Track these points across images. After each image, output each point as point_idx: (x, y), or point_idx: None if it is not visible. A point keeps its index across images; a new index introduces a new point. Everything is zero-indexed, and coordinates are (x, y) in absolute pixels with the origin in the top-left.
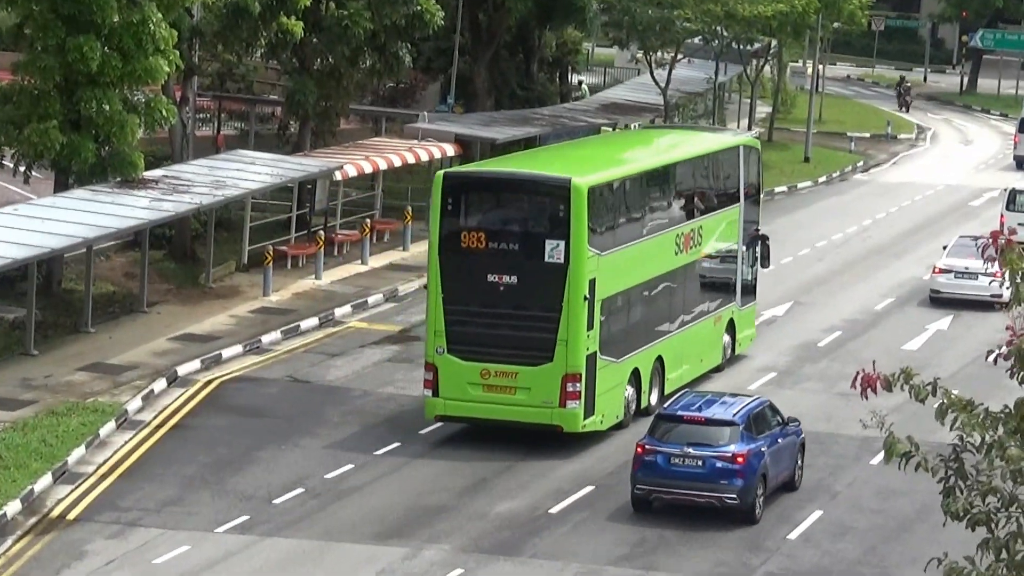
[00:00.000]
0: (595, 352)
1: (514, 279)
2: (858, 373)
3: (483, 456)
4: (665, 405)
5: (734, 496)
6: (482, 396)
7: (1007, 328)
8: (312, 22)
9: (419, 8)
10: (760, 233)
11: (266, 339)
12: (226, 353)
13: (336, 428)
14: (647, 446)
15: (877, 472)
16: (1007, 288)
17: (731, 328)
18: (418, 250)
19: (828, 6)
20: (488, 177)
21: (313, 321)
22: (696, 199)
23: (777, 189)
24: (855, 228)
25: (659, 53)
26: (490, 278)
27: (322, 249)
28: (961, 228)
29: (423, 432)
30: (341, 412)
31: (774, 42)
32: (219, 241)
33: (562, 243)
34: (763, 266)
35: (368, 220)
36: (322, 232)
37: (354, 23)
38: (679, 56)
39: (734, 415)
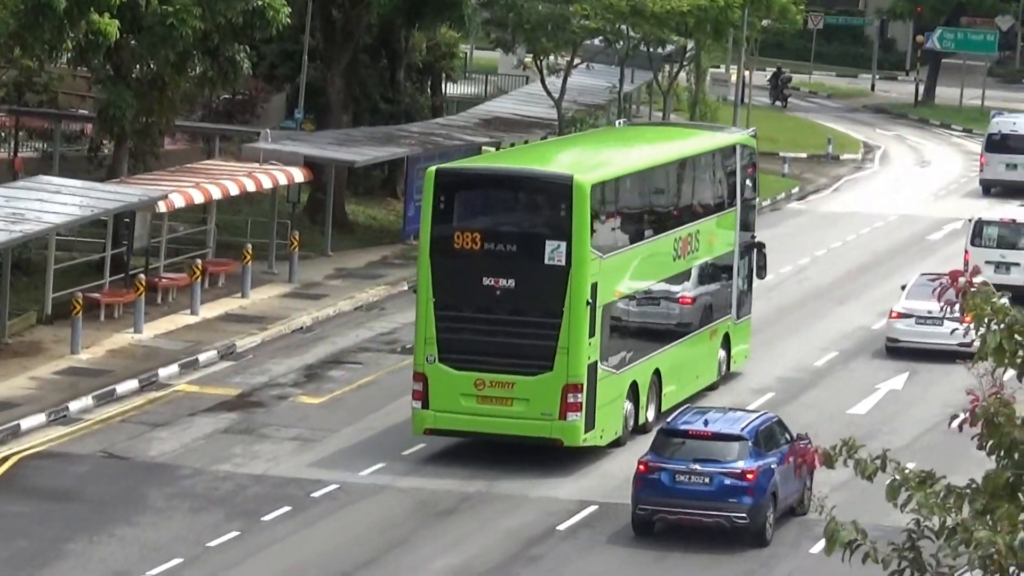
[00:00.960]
0: (596, 361)
1: (511, 282)
2: (792, 445)
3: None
4: (668, 419)
5: (744, 516)
6: (476, 408)
7: (967, 392)
8: (130, 20)
9: (260, 4)
10: (756, 240)
11: (75, 406)
12: (26, 423)
13: (160, 514)
14: (650, 463)
15: (819, 563)
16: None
17: (726, 342)
18: (260, 297)
19: (755, 0)
20: (483, 173)
21: (132, 384)
22: (694, 201)
23: None
24: (790, 268)
25: (552, 57)
26: (485, 281)
27: (142, 296)
28: (917, 267)
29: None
30: (166, 495)
31: (691, 44)
32: (16, 288)
33: (563, 244)
34: (759, 276)
35: (198, 261)
36: (142, 276)
37: (181, 22)
38: (576, 61)
39: (742, 429)
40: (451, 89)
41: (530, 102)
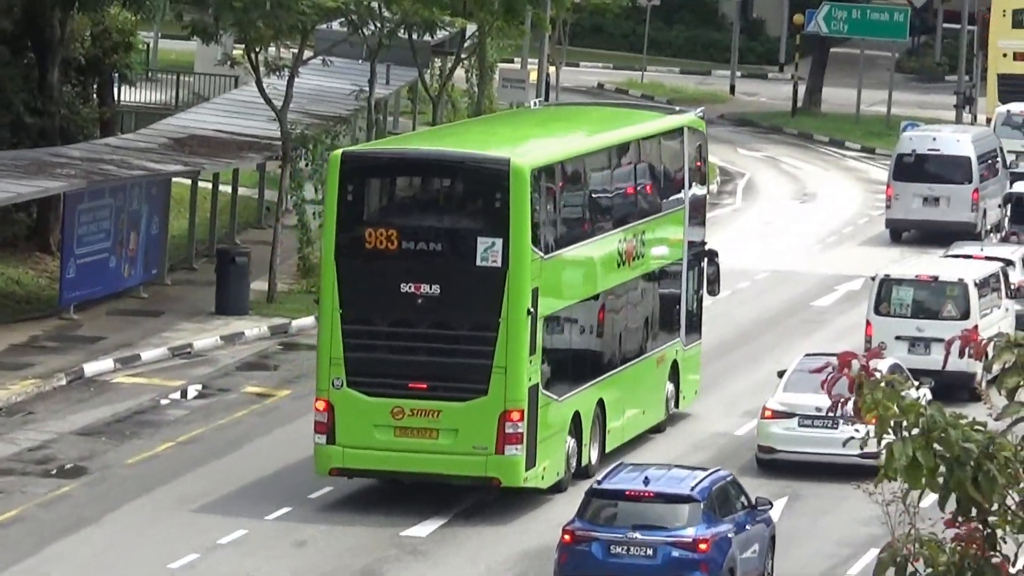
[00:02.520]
0: (537, 384)
1: (435, 289)
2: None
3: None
4: (599, 478)
5: None
6: (394, 442)
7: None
8: None
9: None
10: (708, 248)
11: None
12: None
13: None
14: (578, 531)
15: None
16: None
17: (674, 373)
18: None
19: None
20: (400, 157)
21: None
22: (639, 196)
23: None
24: None
25: (272, 49)
26: (404, 288)
27: None
28: (799, 346)
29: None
30: None
31: (471, 28)
32: None
33: (499, 241)
34: (711, 292)
35: None
36: None
37: None
38: (307, 55)
39: (692, 489)
40: (127, 95)
41: (242, 113)
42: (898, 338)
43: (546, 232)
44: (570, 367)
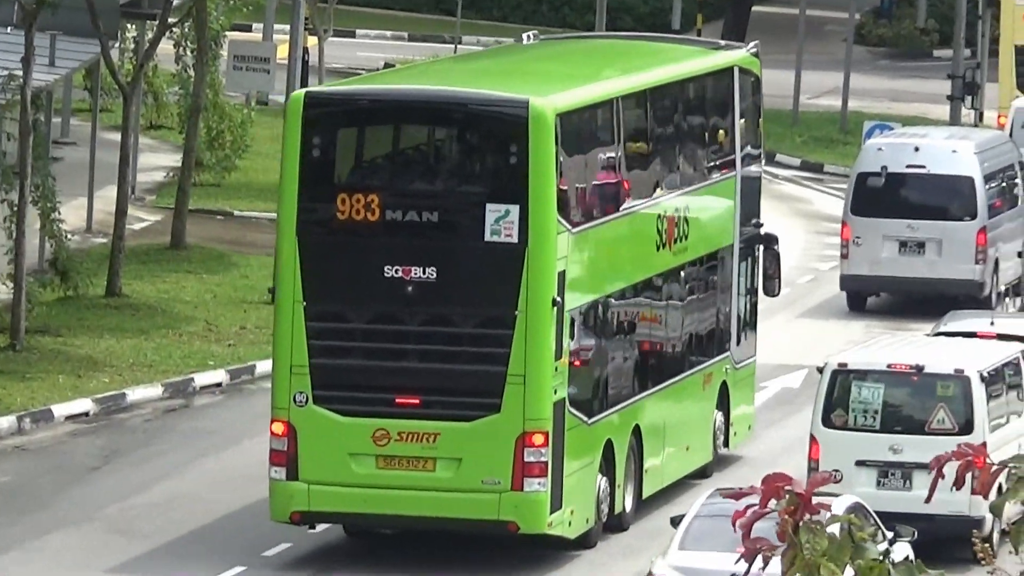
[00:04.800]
0: (564, 400)
1: (431, 273)
2: None
3: None
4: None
5: None
6: (376, 476)
7: None
8: None
9: None
10: (764, 232)
11: None
12: None
13: None
14: None
15: None
16: None
17: (723, 398)
18: None
19: None
20: (384, 99)
21: None
22: (682, 157)
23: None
24: None
25: None
26: (389, 272)
27: None
28: (679, 500)
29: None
30: None
31: None
32: None
33: (514, 209)
34: (768, 291)
35: None
36: None
37: None
38: None
39: None
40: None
41: None
42: (861, 463)
43: (575, 198)
44: (602, 381)
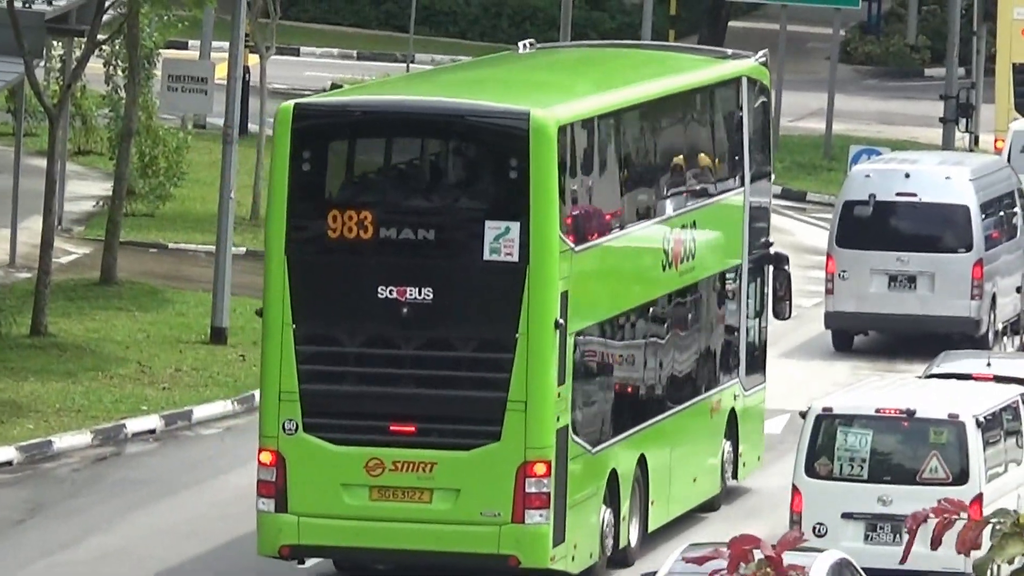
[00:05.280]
0: (567, 427)
1: (427, 294)
2: None
3: None
4: None
5: None
6: (369, 508)
7: None
8: None
9: None
10: (774, 251)
11: None
12: None
13: None
14: None
15: None
16: None
17: (732, 426)
18: None
19: None
20: (378, 111)
21: None
22: (689, 171)
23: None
24: None
25: None
26: (383, 293)
27: None
28: (681, 531)
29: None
30: None
31: None
32: None
33: (515, 226)
34: (779, 313)
35: None
36: None
37: None
38: None
39: None
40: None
41: None
42: (847, 516)
43: (578, 214)
44: (606, 408)
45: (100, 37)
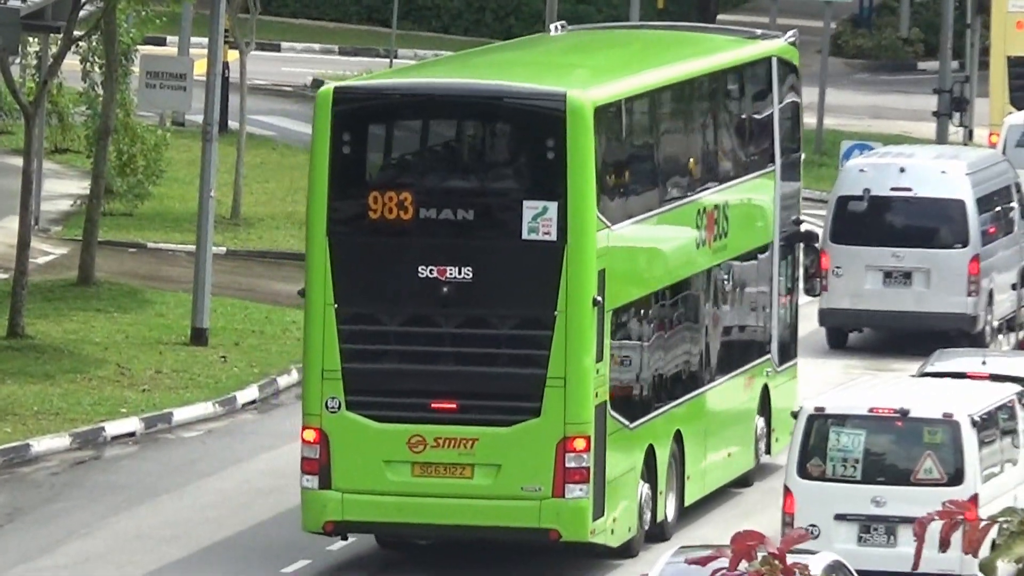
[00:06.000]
0: (605, 403)
1: (467, 273)
2: None
3: None
4: None
5: None
6: (412, 484)
7: None
8: None
9: None
10: (804, 229)
11: None
12: None
13: None
14: None
15: None
16: None
17: (765, 402)
18: None
19: None
20: (416, 93)
21: None
22: (721, 150)
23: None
24: None
25: None
26: (423, 273)
27: None
28: (670, 535)
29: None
30: None
31: None
32: None
33: (552, 206)
34: (809, 290)
35: None
36: None
37: None
38: None
39: None
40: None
41: None
42: (840, 517)
43: (615, 193)
44: (643, 384)
45: (77, 33)
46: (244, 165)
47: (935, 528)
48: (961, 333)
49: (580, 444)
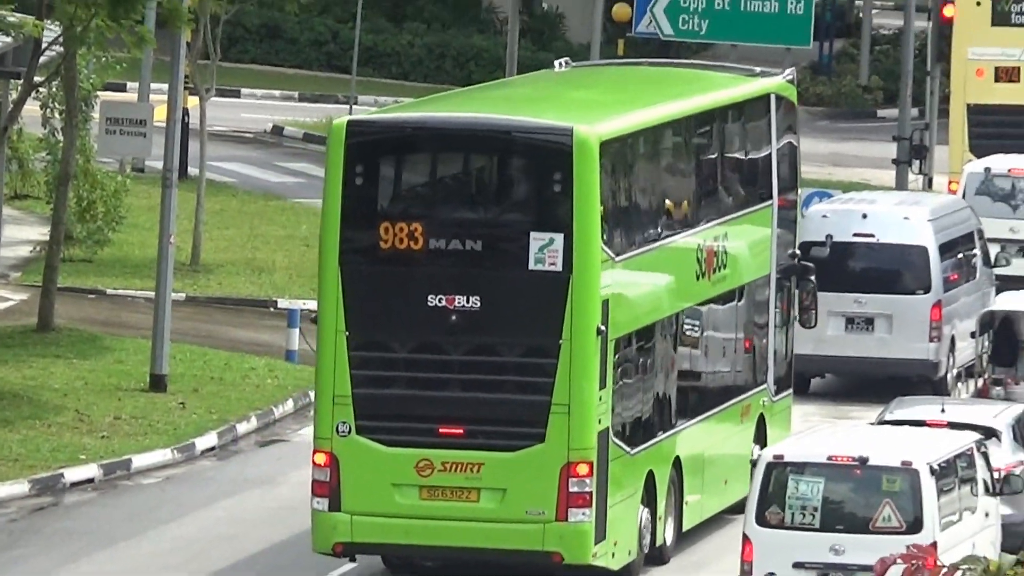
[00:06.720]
0: (608, 429)
1: (475, 302)
2: None
3: None
4: None
5: None
6: (419, 507)
7: None
8: None
9: None
10: (800, 262)
11: None
12: None
13: None
14: None
15: None
16: None
17: (760, 430)
18: None
19: None
20: (427, 127)
21: None
22: (721, 184)
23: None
24: None
25: None
26: (432, 301)
27: None
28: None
29: None
30: None
31: (53, 34)
32: None
33: (559, 237)
34: (805, 322)
35: None
36: None
37: None
38: None
39: None
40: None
41: None
42: (799, 566)
43: (619, 226)
44: (644, 411)
45: (37, 79)
46: (204, 211)
47: (895, 572)
48: (923, 379)
49: (583, 469)
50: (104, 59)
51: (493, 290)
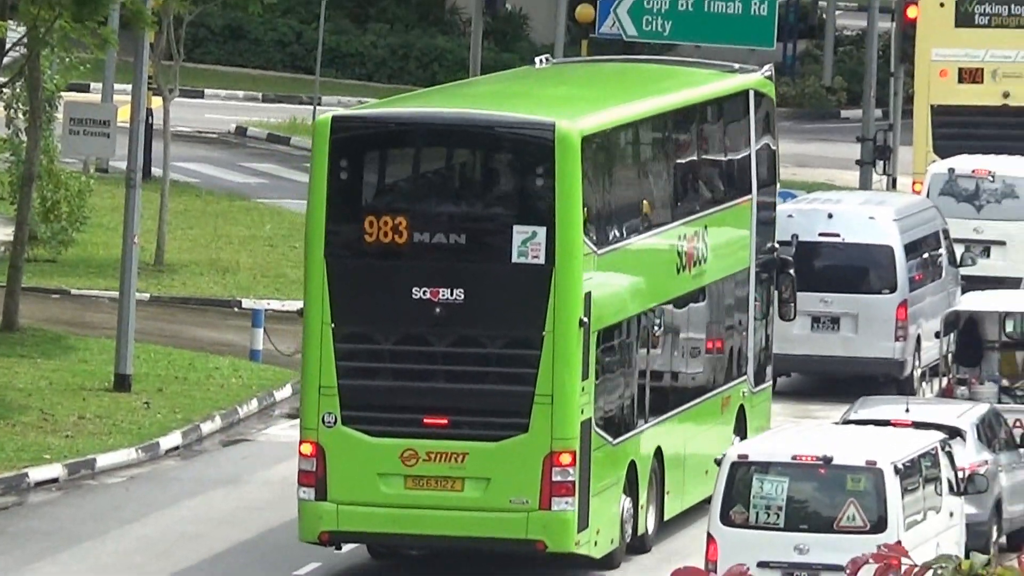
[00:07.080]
0: (590, 419)
1: (458, 294)
2: None
3: None
4: None
5: None
6: (405, 496)
7: None
8: None
9: None
10: (780, 256)
11: None
12: None
13: None
14: None
15: None
16: None
17: (741, 422)
18: None
19: None
20: (411, 122)
21: None
22: (701, 179)
23: None
24: None
25: None
26: (416, 293)
27: None
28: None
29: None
30: None
31: (16, 35)
32: None
33: (541, 231)
34: (784, 315)
35: None
36: None
37: None
38: None
39: None
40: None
41: None
42: (764, 565)
43: (600, 219)
44: (626, 402)
45: (0, 80)
46: (168, 212)
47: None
48: (889, 378)
49: (566, 459)
50: (68, 60)
51: (477, 283)
